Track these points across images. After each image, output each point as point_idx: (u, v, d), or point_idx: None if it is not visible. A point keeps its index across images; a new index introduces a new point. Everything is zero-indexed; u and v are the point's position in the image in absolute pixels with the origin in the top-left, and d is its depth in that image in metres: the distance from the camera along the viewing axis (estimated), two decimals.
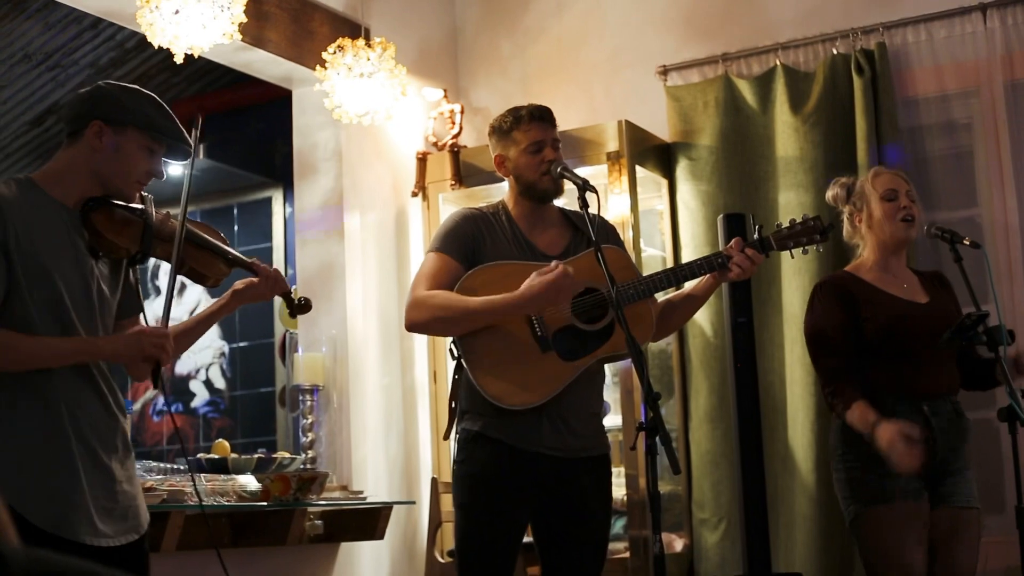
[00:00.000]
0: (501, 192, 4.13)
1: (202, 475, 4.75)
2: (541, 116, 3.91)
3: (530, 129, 3.88)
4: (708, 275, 3.89)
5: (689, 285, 4.03)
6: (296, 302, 3.55)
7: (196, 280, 3.38)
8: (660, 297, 3.98)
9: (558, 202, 4.04)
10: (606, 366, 4.06)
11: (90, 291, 3.16)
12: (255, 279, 3.45)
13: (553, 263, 3.66)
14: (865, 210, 4.29)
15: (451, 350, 3.86)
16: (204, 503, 4.44)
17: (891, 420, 3.97)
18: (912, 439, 3.93)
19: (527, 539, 3.89)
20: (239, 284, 3.46)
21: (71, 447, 3.07)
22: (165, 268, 8.36)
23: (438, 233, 3.92)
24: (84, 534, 3.04)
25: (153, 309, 7.02)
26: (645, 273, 3.96)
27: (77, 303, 3.12)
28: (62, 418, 3.06)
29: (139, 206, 3.25)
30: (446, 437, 4.01)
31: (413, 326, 3.83)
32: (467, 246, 3.81)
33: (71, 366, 3.10)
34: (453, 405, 3.86)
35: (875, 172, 4.37)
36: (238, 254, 3.44)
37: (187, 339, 3.48)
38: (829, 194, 4.46)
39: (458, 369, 3.85)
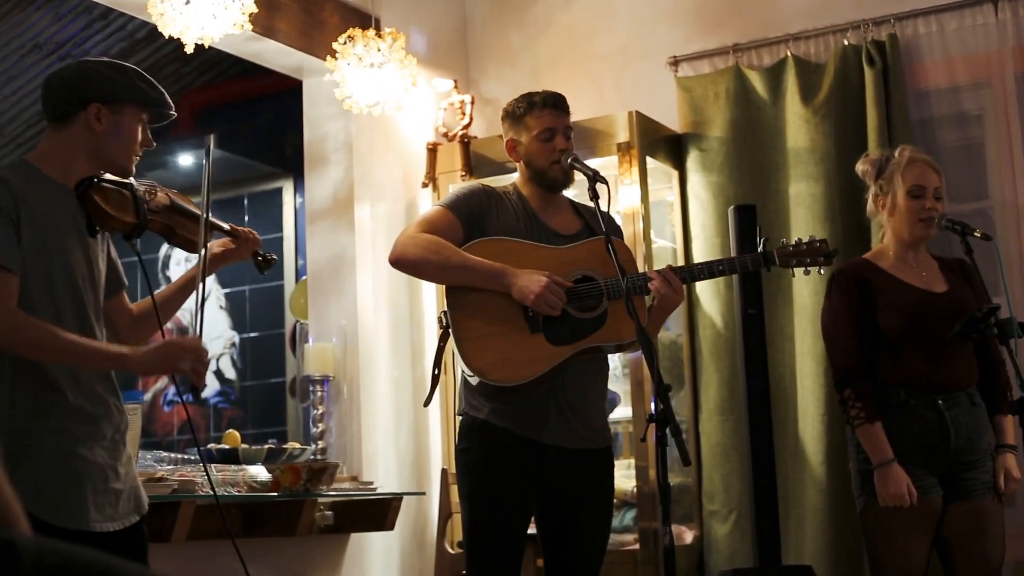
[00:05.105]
0: (511, 182, 4.12)
1: (212, 465, 4.76)
2: (555, 103, 3.91)
3: (543, 116, 3.88)
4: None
5: None
6: (261, 258, 3.56)
7: (186, 248, 3.40)
8: None
9: (567, 193, 4.05)
10: (616, 358, 4.06)
11: (93, 269, 3.20)
12: (230, 241, 3.49)
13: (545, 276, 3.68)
14: (890, 197, 4.27)
15: (440, 319, 3.86)
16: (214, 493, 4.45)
17: (900, 468, 4.03)
18: (912, 495, 4.01)
19: (531, 531, 3.89)
20: (216, 247, 3.48)
21: (70, 432, 3.06)
22: (175, 258, 8.40)
23: (449, 193, 3.98)
24: (86, 520, 3.04)
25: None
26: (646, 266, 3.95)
27: (85, 282, 3.16)
28: (61, 402, 3.06)
29: (125, 180, 3.26)
30: (426, 404, 4.03)
31: (401, 260, 3.79)
32: (473, 211, 3.83)
33: (76, 328, 3.09)
34: (436, 372, 3.87)
35: (909, 159, 4.27)
36: (215, 219, 3.45)
37: (166, 312, 3.46)
38: (859, 168, 4.42)
39: (443, 338, 3.86)
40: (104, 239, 3.31)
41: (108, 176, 3.23)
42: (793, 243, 3.96)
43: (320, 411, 5.57)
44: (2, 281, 2.98)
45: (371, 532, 5.47)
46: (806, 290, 5.55)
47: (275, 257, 3.61)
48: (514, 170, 4.09)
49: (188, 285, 3.47)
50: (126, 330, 3.39)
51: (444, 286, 3.86)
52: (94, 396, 3.13)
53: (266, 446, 5.05)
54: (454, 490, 5.44)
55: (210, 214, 3.38)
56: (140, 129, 3.24)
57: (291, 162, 7.90)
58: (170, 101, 3.31)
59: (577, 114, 4.20)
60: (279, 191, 8.26)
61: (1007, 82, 5.52)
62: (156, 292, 3.42)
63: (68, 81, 3.22)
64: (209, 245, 3.42)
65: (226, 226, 3.48)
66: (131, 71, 3.27)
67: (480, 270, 3.72)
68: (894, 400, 4.10)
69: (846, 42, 5.76)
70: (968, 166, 5.65)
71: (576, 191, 4.09)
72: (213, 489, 3.73)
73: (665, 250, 6.04)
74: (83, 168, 3.18)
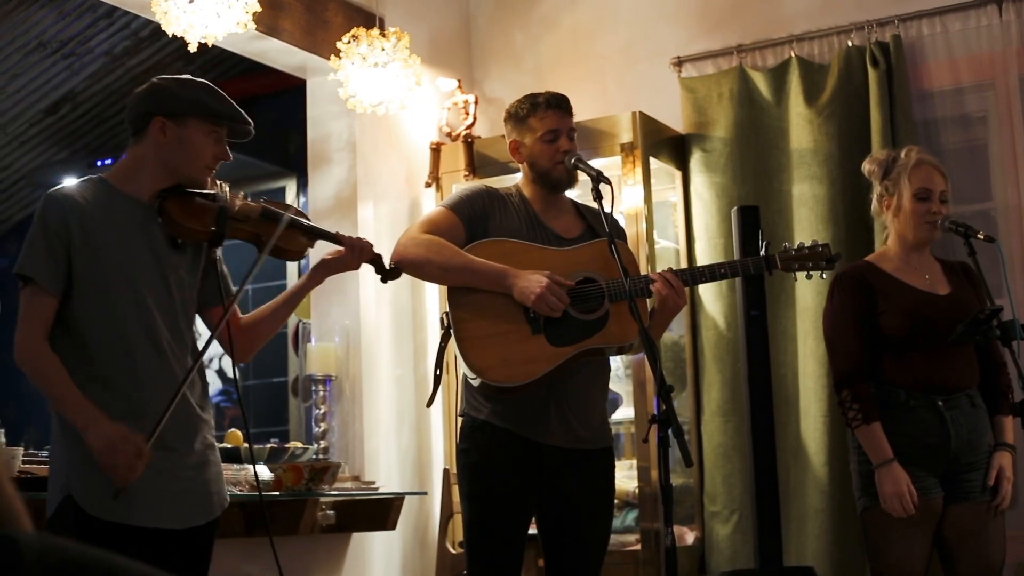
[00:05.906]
0: (515, 182, 4.13)
1: None
2: (558, 104, 3.90)
3: (546, 117, 3.88)
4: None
5: None
6: (387, 268, 3.58)
7: (280, 256, 3.43)
8: None
9: (570, 194, 4.04)
10: (618, 359, 4.05)
11: (169, 284, 3.24)
12: (341, 250, 3.49)
13: (545, 276, 3.67)
14: (896, 198, 4.26)
15: (441, 319, 3.87)
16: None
17: (900, 468, 4.02)
18: (912, 495, 4.01)
19: (532, 531, 3.89)
20: (326, 256, 3.50)
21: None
22: None
23: (452, 194, 3.98)
24: (138, 518, 3.09)
25: None
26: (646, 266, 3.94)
27: (158, 294, 3.20)
28: (117, 402, 3.10)
29: (211, 191, 3.32)
30: (429, 404, 4.03)
31: (402, 260, 3.77)
32: (475, 213, 3.82)
33: (147, 345, 3.16)
34: (438, 372, 3.88)
35: (916, 161, 4.25)
36: (318, 227, 3.49)
37: (275, 320, 3.51)
38: (865, 167, 4.41)
39: (445, 338, 3.86)
40: (202, 251, 3.36)
41: (193, 188, 3.27)
42: (795, 247, 3.95)
43: (322, 411, 5.57)
44: (35, 300, 3.08)
45: (373, 532, 5.47)
46: (809, 292, 5.54)
47: (399, 268, 3.60)
48: (517, 170, 4.09)
49: (294, 297, 3.51)
50: (226, 340, 3.41)
51: (446, 287, 3.86)
52: (158, 397, 3.15)
53: (268, 445, 5.05)
54: (456, 490, 5.43)
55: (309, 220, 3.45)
56: (212, 142, 3.29)
57: (294, 161, 7.90)
58: (245, 116, 3.35)
59: (580, 114, 4.20)
60: (282, 191, 8.26)
61: (1011, 83, 5.52)
62: (263, 305, 3.47)
63: (138, 98, 3.31)
64: (322, 256, 3.49)
65: (333, 233, 3.51)
66: (197, 85, 3.31)
67: (481, 271, 3.72)
68: (895, 401, 4.10)
69: (850, 43, 5.76)
70: (971, 168, 5.64)
71: (579, 191, 4.09)
72: (259, 489, 3.75)
73: (668, 251, 6.04)
74: (152, 181, 3.25)
